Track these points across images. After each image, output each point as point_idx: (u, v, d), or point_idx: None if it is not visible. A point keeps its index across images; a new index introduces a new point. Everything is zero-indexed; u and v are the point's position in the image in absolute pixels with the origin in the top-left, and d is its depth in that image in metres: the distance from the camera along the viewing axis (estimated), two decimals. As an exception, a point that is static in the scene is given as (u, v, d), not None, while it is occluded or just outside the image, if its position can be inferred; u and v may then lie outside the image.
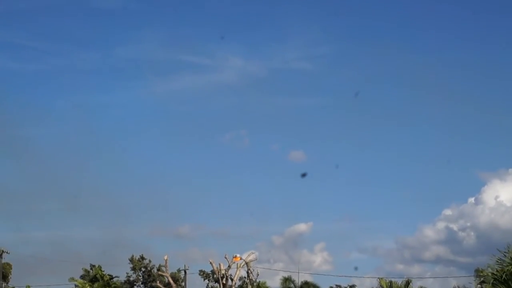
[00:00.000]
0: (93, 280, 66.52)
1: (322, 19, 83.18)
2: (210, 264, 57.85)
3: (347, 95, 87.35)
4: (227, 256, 56.52)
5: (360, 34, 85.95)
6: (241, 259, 57.01)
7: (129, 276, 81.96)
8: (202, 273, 79.68)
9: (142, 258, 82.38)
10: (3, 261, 71.59)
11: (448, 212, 75.69)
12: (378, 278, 45.16)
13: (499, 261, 21.58)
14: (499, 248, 21.58)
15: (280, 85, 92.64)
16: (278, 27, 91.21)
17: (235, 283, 57.60)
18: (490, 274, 22.18)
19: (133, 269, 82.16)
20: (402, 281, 42.41)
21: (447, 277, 76.93)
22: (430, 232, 75.54)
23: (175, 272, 76.71)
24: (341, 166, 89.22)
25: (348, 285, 79.79)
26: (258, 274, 61.08)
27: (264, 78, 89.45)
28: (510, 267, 21.32)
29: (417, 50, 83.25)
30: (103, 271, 67.58)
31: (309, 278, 69.44)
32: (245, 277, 64.96)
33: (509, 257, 21.37)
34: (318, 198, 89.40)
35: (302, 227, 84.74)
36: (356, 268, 77.38)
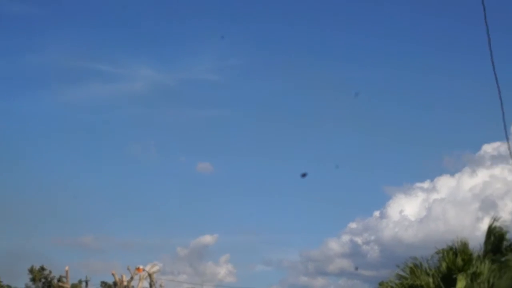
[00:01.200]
0: (-10, 291, 64.44)
1: (231, 32, 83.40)
2: (112, 276, 56.88)
3: (256, 106, 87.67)
4: (129, 268, 55.74)
5: (269, 46, 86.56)
6: (144, 270, 56.23)
7: (28, 287, 79.85)
8: (104, 284, 78.32)
9: (42, 268, 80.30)
10: None
11: (353, 225, 76.79)
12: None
13: (399, 275, 21.92)
14: (402, 262, 21.95)
15: (189, 96, 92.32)
16: (188, 39, 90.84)
17: (137, 295, 56.69)
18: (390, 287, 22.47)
19: (33, 280, 79.99)
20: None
21: (351, 289, 77.93)
22: (334, 245, 76.42)
23: (76, 284, 75.11)
24: (248, 178, 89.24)
25: (252, 297, 79.77)
26: (161, 286, 60.44)
27: (173, 90, 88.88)
28: (409, 280, 21.67)
29: (323, 65, 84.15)
30: (1, 282, 65.58)
31: (213, 290, 68.98)
32: (148, 289, 64.10)
33: (407, 271, 21.73)
34: (224, 210, 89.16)
35: (207, 239, 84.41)
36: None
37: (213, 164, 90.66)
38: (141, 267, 55.99)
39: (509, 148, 18.35)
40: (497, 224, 22.05)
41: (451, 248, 21.22)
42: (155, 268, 57.83)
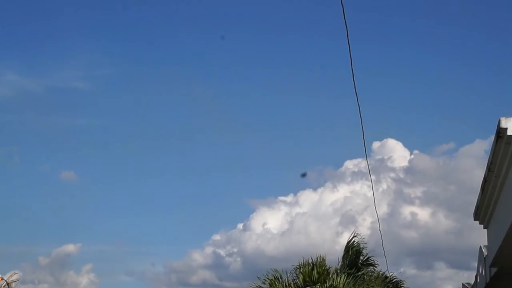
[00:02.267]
0: None
1: (104, 41, 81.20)
2: (-32, 284, 54.38)
3: (125, 117, 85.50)
4: (-13, 276, 53.49)
5: (142, 57, 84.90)
6: (2, 279, 54.14)
7: None
8: (-41, 293, 74.84)
9: None
10: None
11: (217, 237, 76.61)
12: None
13: (259, 287, 22.11)
14: (263, 274, 22.18)
15: (56, 104, 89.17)
16: (58, 46, 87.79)
17: (-6, 304, 54.42)
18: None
19: None
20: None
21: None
22: (198, 257, 76.07)
23: None
24: (114, 188, 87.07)
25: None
26: (20, 295, 58.28)
27: (41, 96, 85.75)
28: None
29: (197, 77, 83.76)
30: None
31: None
32: (6, 298, 61.66)
33: (268, 284, 21.96)
34: (89, 220, 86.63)
35: (70, 248, 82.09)
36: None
37: (78, 173, 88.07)
38: (-1, 276, 53.86)
39: (367, 165, 18.86)
40: (355, 239, 22.61)
41: (308, 262, 21.60)
42: (15, 277, 55.71)
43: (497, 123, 12.31)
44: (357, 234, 22.65)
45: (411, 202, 61.05)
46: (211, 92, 77.13)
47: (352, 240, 22.51)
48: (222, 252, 72.41)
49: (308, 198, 64.90)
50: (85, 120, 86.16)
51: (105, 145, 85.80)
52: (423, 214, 62.15)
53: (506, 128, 12.14)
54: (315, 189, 70.74)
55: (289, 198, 68.04)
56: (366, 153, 18.05)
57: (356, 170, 62.86)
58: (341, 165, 67.45)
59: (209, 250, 76.35)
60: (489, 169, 14.31)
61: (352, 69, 13.51)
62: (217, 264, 74.22)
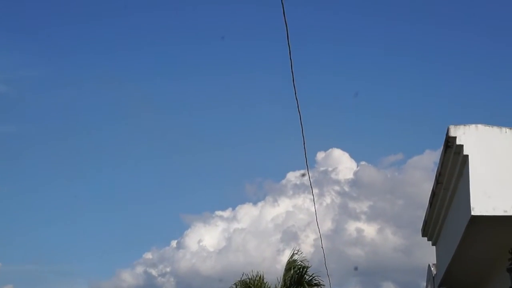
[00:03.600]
0: None
1: (26, 42, 76.72)
2: None
3: (49, 123, 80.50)
4: None
5: (68, 60, 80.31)
6: None
7: None
8: None
9: None
10: None
11: (148, 255, 73.90)
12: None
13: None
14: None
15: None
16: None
17: None
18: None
19: None
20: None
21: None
22: (127, 277, 73.12)
23: None
24: (37, 204, 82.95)
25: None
26: None
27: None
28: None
29: (127, 81, 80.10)
30: None
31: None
32: None
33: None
34: (9, 238, 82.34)
35: (-13, 268, 78.61)
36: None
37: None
38: None
39: (309, 177, 17.80)
40: (296, 257, 21.56)
41: (246, 281, 20.46)
42: None
43: (446, 132, 11.35)
44: (298, 251, 21.62)
45: (356, 217, 60.12)
46: (142, 99, 74.23)
47: (293, 258, 21.44)
48: (154, 271, 69.87)
49: (247, 213, 63.32)
50: (3, 127, 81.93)
51: (26, 154, 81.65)
52: (369, 230, 61.13)
53: (455, 137, 11.19)
54: (255, 203, 69.11)
55: (227, 213, 66.19)
56: (307, 164, 17.02)
57: (298, 182, 61.61)
58: (284, 177, 66.30)
59: (140, 269, 73.64)
60: (437, 181, 13.34)
61: (292, 73, 12.47)
62: (148, 285, 71.62)
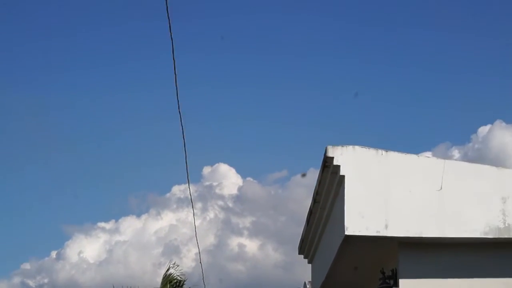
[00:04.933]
0: None
1: None
2: None
3: None
4: None
5: None
6: None
7: None
8: None
9: None
10: None
11: (27, 266, 71.61)
12: None
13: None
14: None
15: None
16: None
17: None
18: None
19: None
20: None
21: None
22: (3, 287, 70.72)
23: None
24: None
25: None
26: None
27: None
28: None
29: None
30: None
31: None
32: None
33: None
34: None
35: None
36: None
37: None
38: None
39: (189, 192, 17.69)
40: (172, 271, 21.36)
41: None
42: None
43: (324, 152, 11.52)
44: (174, 265, 21.42)
45: (239, 233, 60.32)
46: (26, 103, 71.85)
47: (169, 272, 21.23)
48: (31, 282, 67.76)
49: (130, 226, 62.41)
50: None
51: None
52: (251, 246, 61.46)
53: (333, 158, 11.37)
54: (138, 215, 68.24)
55: (110, 225, 65.06)
56: (188, 178, 16.82)
57: (182, 196, 61.38)
58: (169, 190, 65.83)
59: (17, 280, 71.19)
60: (314, 200, 13.52)
61: (176, 86, 12.31)
62: (21, 297, 69.50)
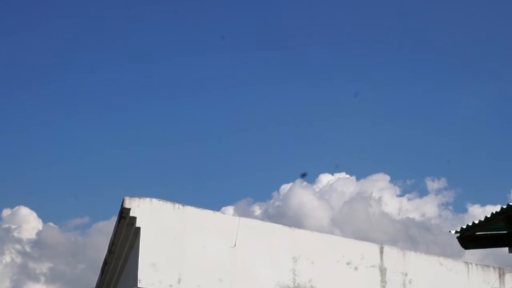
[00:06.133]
0: None
1: None
2: None
3: None
4: None
5: None
6: None
7: None
8: None
9: None
10: None
11: None
12: None
13: None
14: None
15: None
16: None
17: None
18: None
19: None
20: None
21: None
22: None
23: None
24: None
25: None
26: None
27: None
28: None
29: None
30: None
31: None
32: None
33: None
34: None
35: None
36: None
37: None
38: None
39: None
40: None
41: None
42: None
43: (121, 203, 11.31)
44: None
45: (36, 278, 57.89)
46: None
47: None
48: None
49: None
50: None
51: None
52: (47, 292, 59.20)
53: (130, 209, 11.20)
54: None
55: None
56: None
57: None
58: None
59: None
60: (110, 251, 13.21)
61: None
62: None
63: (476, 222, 13.12)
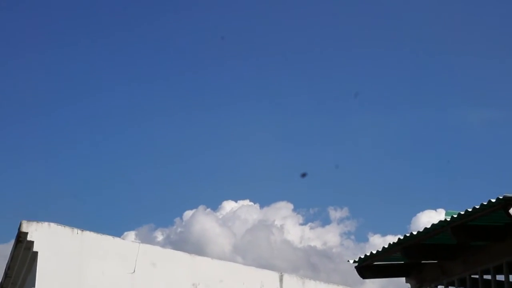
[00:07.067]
0: None
1: None
2: None
3: None
4: None
5: None
6: None
7: None
8: None
9: None
10: None
11: None
12: None
13: None
14: None
15: None
16: None
17: None
18: None
19: None
20: None
21: None
22: None
23: None
24: None
25: None
26: None
27: None
28: None
29: None
30: None
31: None
32: None
33: None
34: None
35: None
36: None
37: None
38: None
39: None
40: None
41: None
42: None
43: (18, 226, 11.13)
44: None
45: None
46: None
47: None
48: None
49: None
50: None
51: None
52: None
53: (27, 233, 11.03)
54: None
55: None
56: None
57: None
58: None
59: None
60: (6, 275, 12.94)
61: None
62: None
63: (375, 252, 13.39)
